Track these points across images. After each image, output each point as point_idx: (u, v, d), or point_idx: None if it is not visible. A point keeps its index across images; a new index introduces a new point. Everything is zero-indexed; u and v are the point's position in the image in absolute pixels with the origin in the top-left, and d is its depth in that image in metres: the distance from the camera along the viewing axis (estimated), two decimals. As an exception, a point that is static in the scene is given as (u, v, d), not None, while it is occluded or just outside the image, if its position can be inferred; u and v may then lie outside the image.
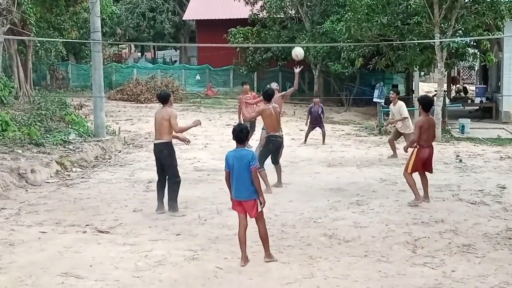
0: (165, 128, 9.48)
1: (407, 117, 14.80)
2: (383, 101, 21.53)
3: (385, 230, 8.57)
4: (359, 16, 19.91)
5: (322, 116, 17.99)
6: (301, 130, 21.07)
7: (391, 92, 15.85)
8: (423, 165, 10.12)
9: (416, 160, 9.97)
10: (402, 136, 14.98)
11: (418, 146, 9.97)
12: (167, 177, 9.66)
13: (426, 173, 10.29)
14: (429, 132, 10.04)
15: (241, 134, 7.09)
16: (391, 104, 15.29)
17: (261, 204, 7.02)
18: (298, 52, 13.70)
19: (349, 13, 20.69)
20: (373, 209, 9.82)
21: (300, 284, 6.46)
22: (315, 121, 17.82)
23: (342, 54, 24.90)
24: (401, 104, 14.95)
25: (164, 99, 9.69)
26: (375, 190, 11.28)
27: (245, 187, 6.93)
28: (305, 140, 17.94)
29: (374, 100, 21.81)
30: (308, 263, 7.15)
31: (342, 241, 8.08)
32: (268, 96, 11.34)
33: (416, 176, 10.22)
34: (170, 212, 9.49)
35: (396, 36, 19.77)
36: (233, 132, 7.15)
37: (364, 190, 11.28)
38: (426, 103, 10.20)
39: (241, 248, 7.02)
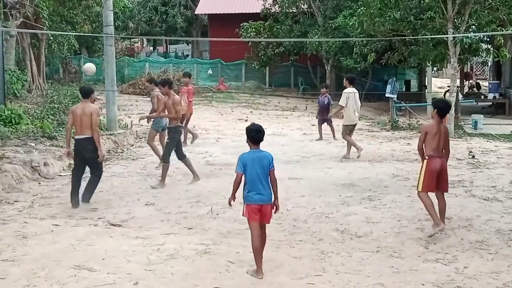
0: (86, 124, 9.46)
1: (343, 107, 14.35)
2: (395, 96, 21.49)
3: (397, 226, 8.55)
4: (371, 11, 19.84)
5: (329, 106, 17.81)
6: (312, 125, 21.05)
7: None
8: (437, 181, 8.16)
9: (427, 173, 8.09)
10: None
11: (427, 157, 8.16)
12: (90, 170, 9.85)
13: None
14: (439, 140, 8.14)
15: (259, 134, 6.53)
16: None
17: (277, 209, 6.66)
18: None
19: (362, 8, 20.64)
20: (385, 204, 9.79)
21: (312, 279, 6.46)
22: (324, 112, 17.64)
23: (355, 49, 24.86)
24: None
25: (86, 93, 9.77)
26: (387, 186, 11.24)
27: (267, 191, 6.49)
28: (321, 136, 17.79)
29: (387, 95, 21.76)
30: (320, 258, 7.14)
31: (354, 236, 8.07)
32: (170, 85, 11.71)
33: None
34: (83, 204, 9.54)
35: (409, 31, 19.67)
36: (250, 132, 6.57)
37: (376, 186, 11.24)
38: (442, 108, 8.28)
39: (258, 259, 6.48)
